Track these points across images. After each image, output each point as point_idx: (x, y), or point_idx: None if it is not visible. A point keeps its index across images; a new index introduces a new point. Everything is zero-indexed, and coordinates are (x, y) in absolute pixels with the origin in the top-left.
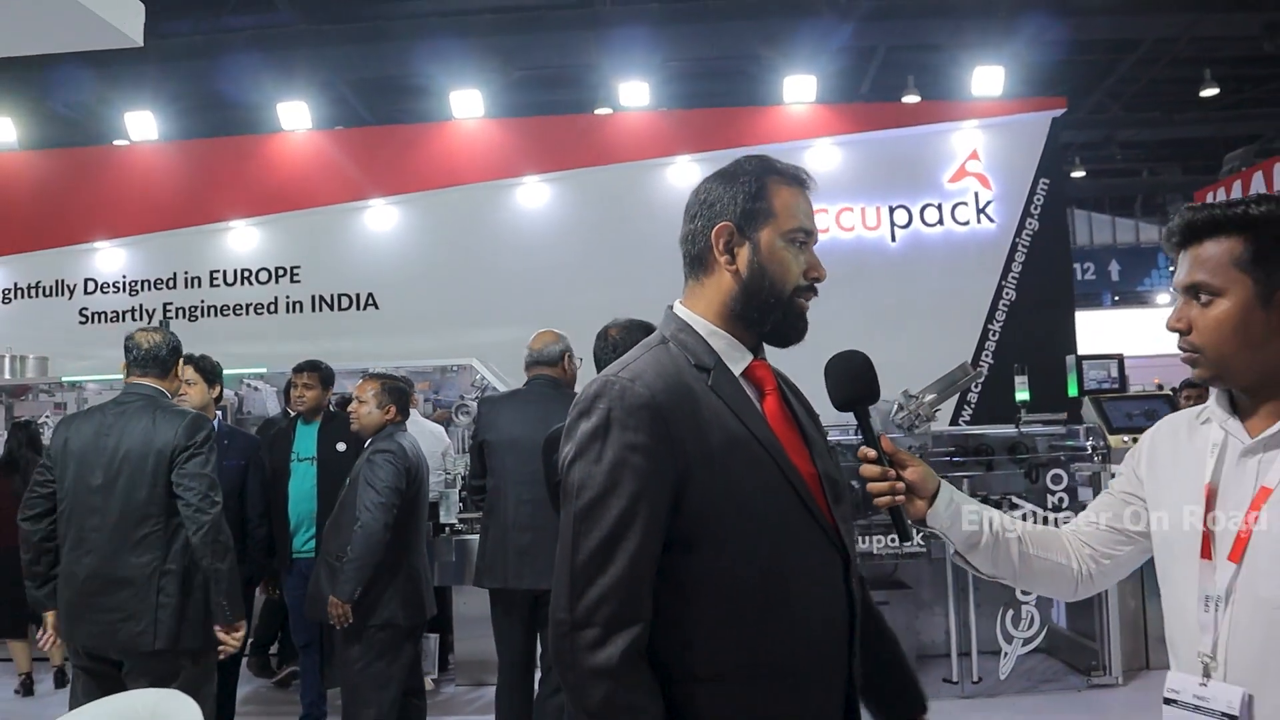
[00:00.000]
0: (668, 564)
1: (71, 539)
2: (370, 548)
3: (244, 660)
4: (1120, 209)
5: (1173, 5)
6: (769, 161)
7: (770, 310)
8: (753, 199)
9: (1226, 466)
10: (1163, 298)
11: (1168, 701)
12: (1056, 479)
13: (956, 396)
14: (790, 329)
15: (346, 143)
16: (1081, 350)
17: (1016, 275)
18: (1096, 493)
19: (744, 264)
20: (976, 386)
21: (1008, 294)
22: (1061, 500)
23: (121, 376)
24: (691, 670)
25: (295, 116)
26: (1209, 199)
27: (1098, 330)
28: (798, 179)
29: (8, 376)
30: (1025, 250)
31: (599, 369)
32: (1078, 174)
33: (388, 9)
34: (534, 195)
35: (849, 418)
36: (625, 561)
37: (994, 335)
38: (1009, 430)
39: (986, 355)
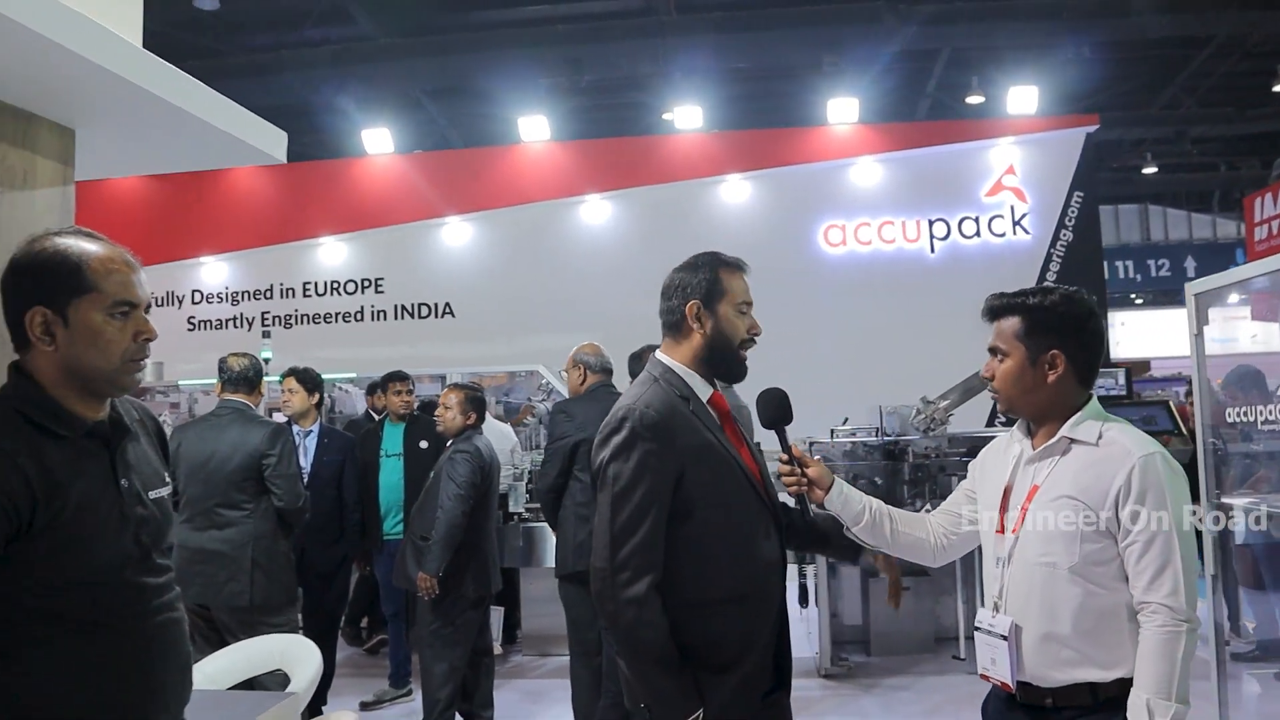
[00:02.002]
0: (672, 529)
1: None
2: (451, 532)
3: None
4: (1197, 204)
5: (1239, 2)
6: (719, 255)
7: (725, 358)
8: (712, 283)
9: (1018, 471)
10: (1234, 296)
11: (976, 629)
12: None
13: (992, 400)
14: (735, 371)
15: (425, 165)
16: (1135, 352)
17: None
18: None
19: (709, 328)
20: None
21: None
22: None
23: (198, 380)
24: (685, 599)
25: (378, 141)
26: (1258, 204)
27: (1169, 327)
28: (739, 266)
29: None
30: (1060, 260)
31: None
32: (1149, 170)
33: (460, 19)
34: (596, 212)
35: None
36: (648, 528)
37: None
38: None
39: None
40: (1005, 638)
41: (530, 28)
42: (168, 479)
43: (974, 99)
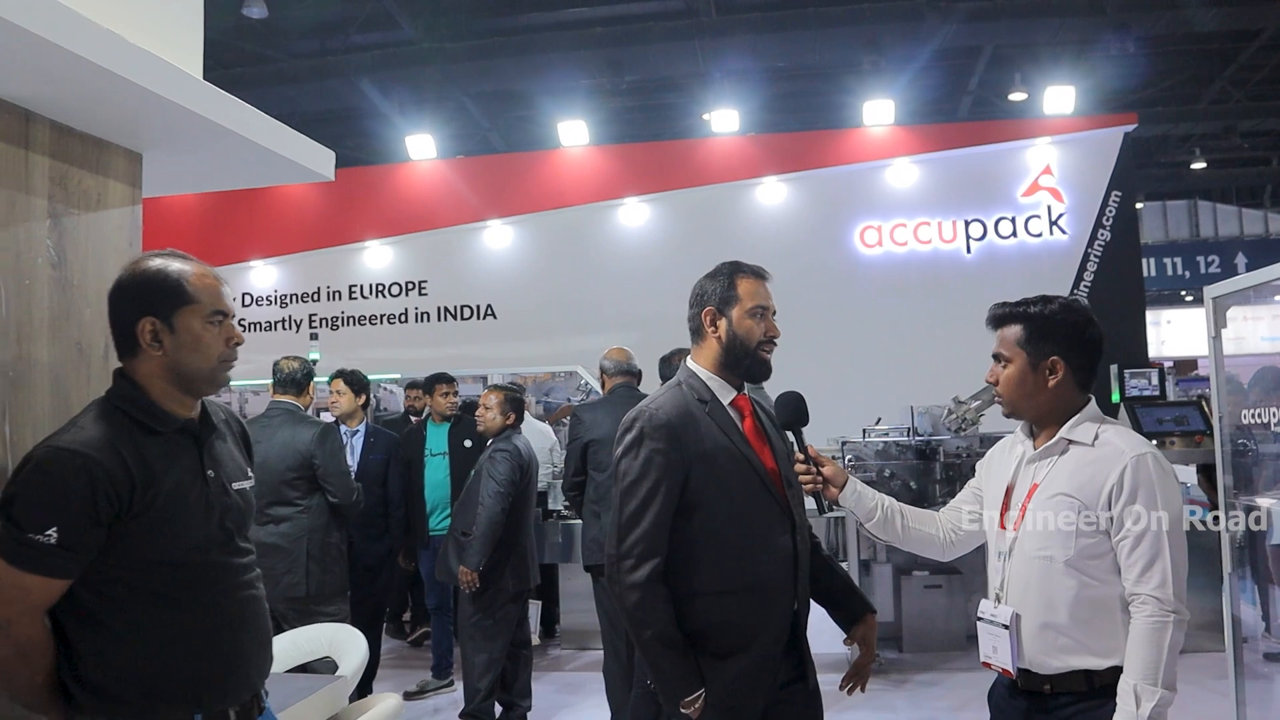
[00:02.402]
0: (678, 524)
1: None
2: (491, 528)
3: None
4: (1248, 199)
5: None
6: (738, 264)
7: (742, 360)
8: (726, 290)
9: (1020, 470)
10: None
11: (979, 619)
12: None
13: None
14: (757, 372)
15: (467, 170)
16: (1183, 350)
17: (1088, 284)
18: None
19: (723, 332)
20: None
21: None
22: None
23: (257, 380)
24: (693, 589)
25: (422, 147)
26: None
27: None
28: (757, 273)
29: None
30: (1097, 260)
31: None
32: (1198, 165)
33: (504, 24)
34: (634, 215)
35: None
36: (650, 519)
37: None
38: None
39: None
40: (1006, 627)
41: (571, 30)
42: (250, 473)
43: (1017, 95)
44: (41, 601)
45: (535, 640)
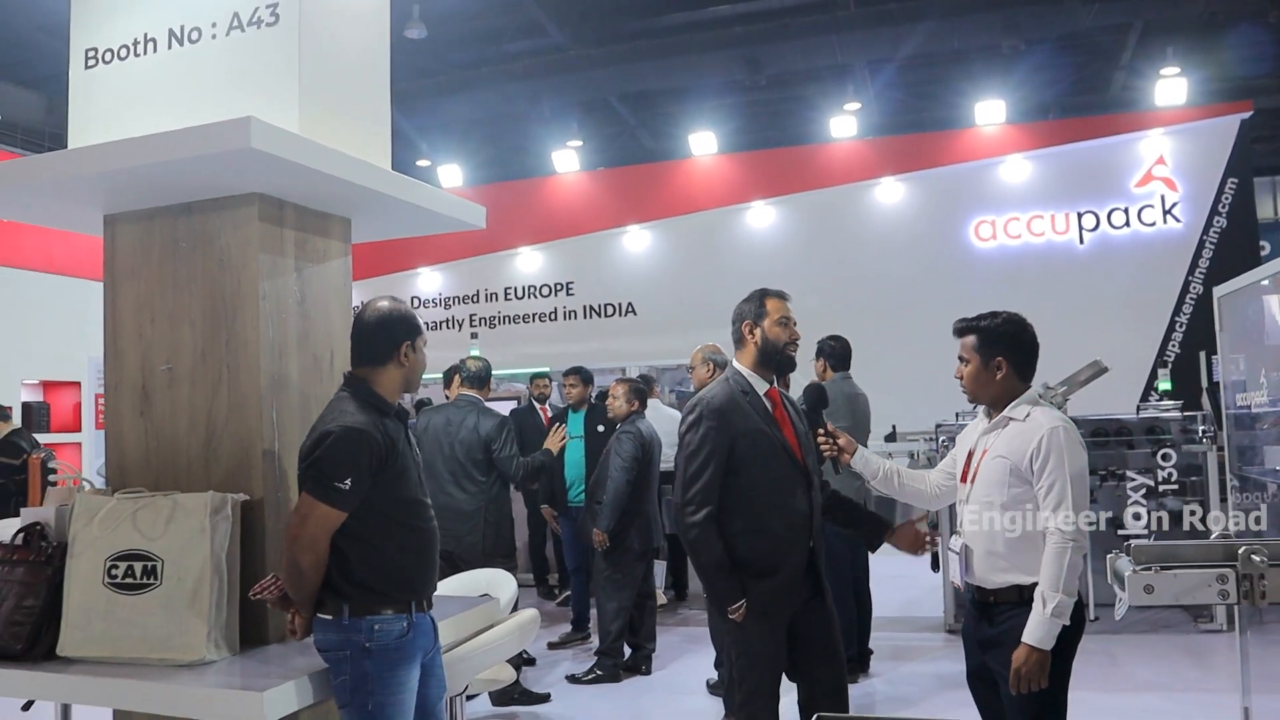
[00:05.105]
0: (726, 482)
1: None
2: (617, 497)
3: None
4: None
5: None
6: (765, 289)
7: (773, 358)
8: (759, 308)
9: (978, 440)
10: None
11: (949, 550)
12: (1166, 457)
13: (1143, 383)
14: (785, 366)
15: (608, 180)
16: None
17: (1204, 270)
18: (1204, 471)
19: (759, 338)
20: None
21: (1194, 288)
22: (1170, 475)
23: (436, 374)
24: (736, 528)
25: (566, 160)
26: None
27: None
28: (780, 295)
29: None
30: (1213, 247)
31: None
32: None
33: (646, 25)
34: (761, 217)
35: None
36: (706, 477)
37: (1180, 327)
38: (1130, 416)
39: (1173, 345)
40: (959, 554)
41: (710, 30)
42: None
43: (1169, 70)
44: (334, 526)
45: (662, 598)
